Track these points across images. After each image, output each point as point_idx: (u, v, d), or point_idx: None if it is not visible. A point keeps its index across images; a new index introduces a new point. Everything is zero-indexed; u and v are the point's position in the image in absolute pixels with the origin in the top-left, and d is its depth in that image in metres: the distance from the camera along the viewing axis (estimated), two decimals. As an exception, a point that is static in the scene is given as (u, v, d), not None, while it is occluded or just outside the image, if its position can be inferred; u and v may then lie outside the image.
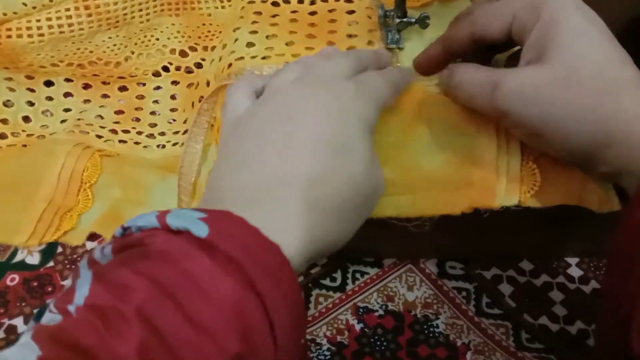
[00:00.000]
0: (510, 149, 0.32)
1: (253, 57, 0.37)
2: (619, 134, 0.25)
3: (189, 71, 0.45)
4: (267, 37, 0.38)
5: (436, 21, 0.38)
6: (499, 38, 0.30)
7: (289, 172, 0.25)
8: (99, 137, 0.40)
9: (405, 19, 0.37)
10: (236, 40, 0.38)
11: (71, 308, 0.20)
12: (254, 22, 0.39)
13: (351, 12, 0.39)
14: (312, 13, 0.39)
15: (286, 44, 0.38)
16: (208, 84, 0.39)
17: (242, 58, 0.38)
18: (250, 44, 0.38)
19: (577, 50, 0.26)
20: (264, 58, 0.36)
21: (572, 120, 0.26)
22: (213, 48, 0.44)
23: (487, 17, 0.30)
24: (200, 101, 0.39)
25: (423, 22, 0.38)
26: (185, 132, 0.41)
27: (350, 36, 0.38)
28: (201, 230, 0.21)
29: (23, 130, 0.41)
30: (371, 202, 0.28)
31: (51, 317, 0.20)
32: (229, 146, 0.28)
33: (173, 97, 0.44)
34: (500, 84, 0.27)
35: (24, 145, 0.40)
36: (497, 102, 0.27)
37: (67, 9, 0.39)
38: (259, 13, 0.39)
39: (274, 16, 0.39)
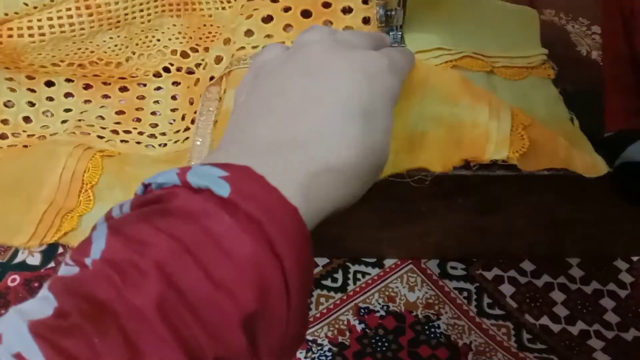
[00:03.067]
0: (501, 117, 0.35)
1: (254, 47, 0.37)
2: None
3: (189, 72, 0.45)
4: (262, 19, 0.38)
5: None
6: None
7: (310, 130, 0.25)
8: (100, 137, 0.40)
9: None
10: (235, 30, 0.38)
11: (87, 261, 0.20)
12: (249, 17, 0.39)
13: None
14: None
15: (284, 29, 0.38)
16: (211, 79, 0.39)
17: (243, 48, 0.38)
18: (249, 32, 0.38)
19: None
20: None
21: None
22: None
23: None
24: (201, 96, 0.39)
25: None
26: (186, 129, 0.41)
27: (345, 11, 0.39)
28: (222, 189, 0.21)
29: (24, 131, 0.41)
30: (380, 169, 0.28)
31: (68, 270, 0.20)
32: (251, 94, 0.28)
33: (174, 97, 0.44)
34: None
35: (25, 146, 0.40)
36: None
37: (68, 9, 0.39)
38: (257, 9, 0.40)
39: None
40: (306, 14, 0.39)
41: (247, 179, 0.22)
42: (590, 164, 0.33)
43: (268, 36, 0.38)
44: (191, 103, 0.42)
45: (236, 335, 0.19)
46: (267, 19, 0.39)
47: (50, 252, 0.45)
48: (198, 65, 0.45)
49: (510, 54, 0.40)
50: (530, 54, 0.40)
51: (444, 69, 0.39)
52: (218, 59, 0.41)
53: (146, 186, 0.23)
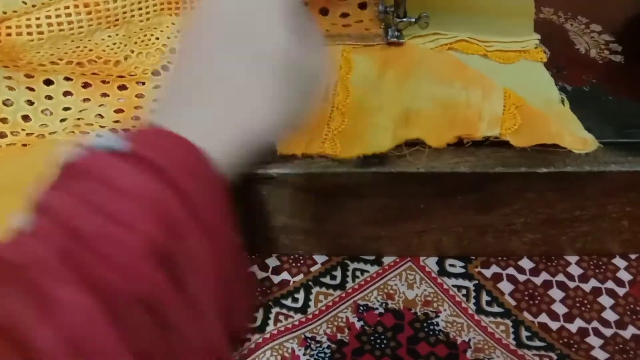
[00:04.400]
0: (494, 98, 0.37)
1: None
2: None
3: (188, 70, 0.45)
4: None
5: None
6: None
7: (212, 69, 0.26)
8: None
9: (405, 19, 0.37)
10: None
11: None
12: None
13: None
14: None
15: None
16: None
17: None
18: None
19: None
20: None
21: None
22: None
23: None
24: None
25: (423, 22, 0.38)
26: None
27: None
28: (122, 146, 0.22)
29: (22, 129, 0.41)
30: (307, 78, 0.28)
31: None
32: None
33: (173, 95, 0.44)
34: None
35: (24, 145, 0.40)
36: None
37: (67, 7, 0.39)
38: None
39: None
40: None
41: (148, 133, 0.24)
42: (580, 140, 0.34)
43: None
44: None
45: (146, 268, 0.20)
46: None
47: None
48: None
49: (504, 39, 0.42)
50: (523, 38, 0.42)
51: (440, 52, 0.41)
52: None
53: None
